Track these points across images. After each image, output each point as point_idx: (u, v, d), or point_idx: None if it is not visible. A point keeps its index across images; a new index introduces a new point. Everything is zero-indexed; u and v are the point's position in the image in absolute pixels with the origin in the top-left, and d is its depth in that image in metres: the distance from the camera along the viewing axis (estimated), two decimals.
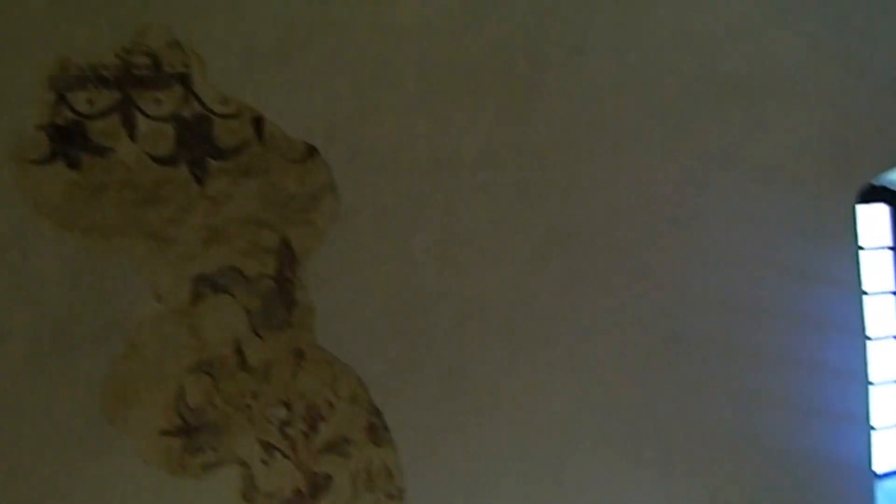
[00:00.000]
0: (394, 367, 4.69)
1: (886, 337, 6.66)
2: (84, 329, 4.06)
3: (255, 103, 4.36)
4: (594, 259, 5.08)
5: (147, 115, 4.17)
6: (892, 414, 6.70)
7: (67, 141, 4.05)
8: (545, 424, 5.02)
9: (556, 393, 5.02)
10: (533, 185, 4.93)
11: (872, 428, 5.88)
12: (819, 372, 5.68)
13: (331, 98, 4.51)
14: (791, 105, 5.57)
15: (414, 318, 4.71)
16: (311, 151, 4.47)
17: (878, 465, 6.25)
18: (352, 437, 4.65)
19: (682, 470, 5.34)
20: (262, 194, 4.37)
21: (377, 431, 4.73)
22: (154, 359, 4.18)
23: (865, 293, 5.84)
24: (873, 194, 6.47)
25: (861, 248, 5.83)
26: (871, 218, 6.60)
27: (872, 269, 6.50)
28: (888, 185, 6.59)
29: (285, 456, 4.48)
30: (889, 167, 5.90)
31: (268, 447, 4.46)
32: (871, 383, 5.88)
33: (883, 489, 6.35)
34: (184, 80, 4.26)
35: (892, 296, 6.70)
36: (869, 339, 5.88)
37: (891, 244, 6.69)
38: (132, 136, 4.15)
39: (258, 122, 4.38)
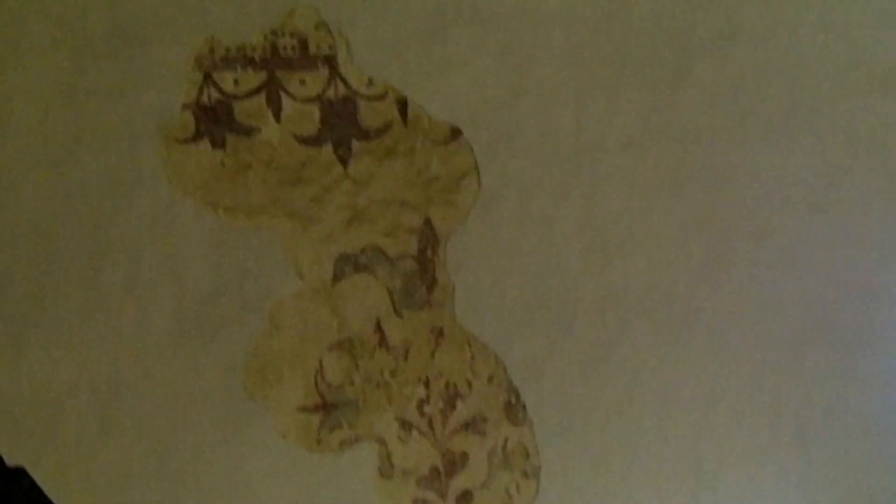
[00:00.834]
0: (533, 347, 4.03)
1: None
2: (226, 307, 3.48)
3: (400, 85, 3.67)
4: (736, 245, 4.29)
5: (292, 96, 3.51)
6: None
7: (213, 120, 3.45)
8: (683, 407, 4.28)
9: (695, 377, 4.30)
10: (676, 171, 4.14)
11: None
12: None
13: (476, 81, 3.79)
14: None
15: (554, 300, 4.02)
16: (455, 133, 3.76)
17: None
18: (489, 416, 3.98)
19: (820, 456, 4.58)
20: (405, 175, 3.69)
21: (514, 410, 4.05)
22: (295, 336, 3.56)
23: None
24: None
25: None
26: None
27: None
28: None
29: (422, 434, 3.82)
30: None
31: (405, 425, 3.81)
32: None
33: None
34: (330, 61, 3.57)
35: None
36: None
37: None
38: (277, 117, 3.52)
39: (403, 104, 3.69)
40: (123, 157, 3.51)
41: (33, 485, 2.59)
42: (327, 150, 3.77)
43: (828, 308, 4.72)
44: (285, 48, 3.71)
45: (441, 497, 4.08)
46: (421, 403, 4.01)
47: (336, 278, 3.79)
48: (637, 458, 4.41)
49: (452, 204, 3.95)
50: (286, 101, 3.71)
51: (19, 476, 2.61)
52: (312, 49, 3.76)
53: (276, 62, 3.69)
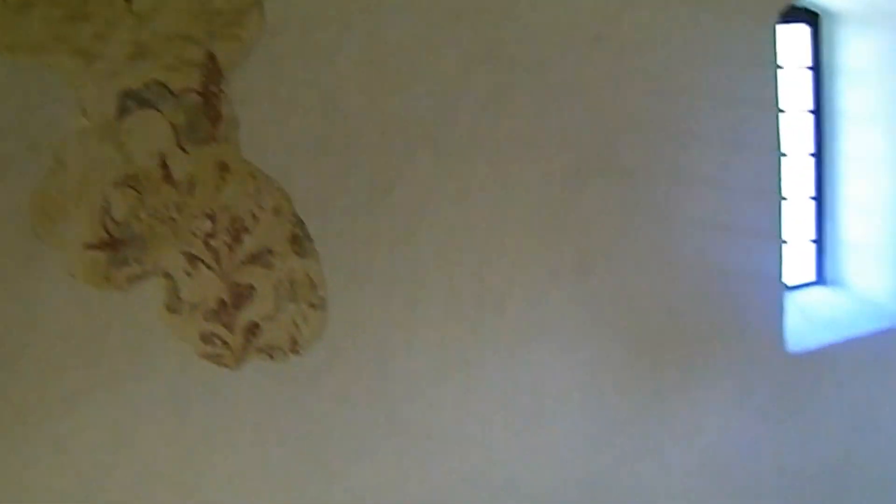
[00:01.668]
0: (318, 180, 4.94)
1: (801, 154, 7.08)
2: (11, 145, 4.24)
3: None
4: (518, 76, 5.33)
5: None
6: (802, 229, 7.20)
7: None
8: (468, 237, 5.36)
9: (478, 208, 5.34)
10: (458, 3, 5.11)
11: (784, 243, 6.36)
12: (734, 189, 6.10)
13: None
14: None
15: (338, 132, 4.95)
16: None
17: (789, 279, 6.76)
18: (275, 248, 4.93)
19: (601, 281, 5.75)
20: (189, 9, 4.50)
21: (300, 242, 5.01)
22: (80, 174, 4.40)
23: (782, 111, 6.21)
24: (794, 14, 6.77)
25: (780, 67, 6.16)
26: (790, 38, 6.91)
27: (790, 88, 6.86)
28: (808, 6, 6.88)
29: (209, 267, 4.76)
30: None
31: (192, 259, 4.73)
32: (783, 199, 6.32)
33: (792, 300, 6.90)
34: None
35: (808, 115, 7.09)
36: (784, 156, 6.28)
37: (810, 64, 7.03)
38: None
39: None
40: None
41: None
42: None
43: (609, 140, 5.90)
44: None
45: (229, 330, 5.05)
46: (207, 238, 4.88)
47: (120, 114, 4.60)
48: (423, 286, 5.47)
49: (236, 38, 4.75)
50: None
51: None
52: None
53: None
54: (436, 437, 5.45)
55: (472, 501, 5.58)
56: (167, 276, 4.71)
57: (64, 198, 4.40)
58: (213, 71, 4.62)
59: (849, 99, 7.03)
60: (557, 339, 5.64)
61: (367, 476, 5.31)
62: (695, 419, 6.22)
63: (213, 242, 4.79)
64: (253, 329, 4.96)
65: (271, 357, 4.99)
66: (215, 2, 4.56)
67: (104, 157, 4.45)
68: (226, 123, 4.70)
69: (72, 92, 4.35)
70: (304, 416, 5.12)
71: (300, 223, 4.94)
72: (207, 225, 4.75)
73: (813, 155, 7.15)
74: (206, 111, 4.65)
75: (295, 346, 5.06)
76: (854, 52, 6.95)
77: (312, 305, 5.08)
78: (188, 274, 4.74)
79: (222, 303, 4.87)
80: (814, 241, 7.26)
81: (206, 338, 4.83)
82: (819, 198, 7.21)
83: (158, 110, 4.52)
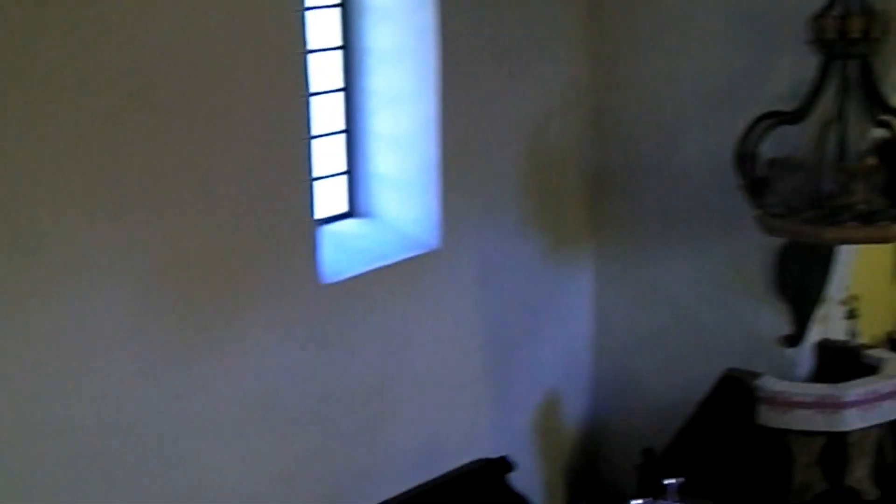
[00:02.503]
0: None
1: (330, 91, 7.84)
2: None
3: None
4: (42, 12, 5.56)
5: None
6: (333, 163, 7.99)
7: None
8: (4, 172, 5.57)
9: (10, 147, 5.57)
10: None
11: (314, 178, 7.08)
12: (265, 127, 6.72)
13: None
14: None
15: None
16: None
17: (321, 211, 7.52)
18: None
19: (139, 220, 6.21)
20: None
21: None
22: None
23: (310, 52, 6.90)
24: None
25: (307, 8, 6.85)
26: None
27: (317, 27, 7.58)
28: None
29: None
30: None
31: None
32: (312, 136, 7.03)
33: (325, 232, 7.67)
34: None
35: (336, 51, 7.85)
36: (312, 94, 6.99)
37: (337, 2, 7.79)
38: None
39: None
40: None
41: None
42: None
43: (144, 78, 6.22)
44: None
45: None
46: None
47: None
48: None
49: None
50: None
51: None
52: None
53: None
54: None
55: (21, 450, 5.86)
56: None
57: None
58: None
59: (375, 36, 7.98)
60: (98, 281, 6.06)
61: None
62: (239, 352, 6.89)
63: None
64: None
65: None
66: None
67: None
68: None
69: None
70: None
71: None
72: None
73: (341, 90, 7.92)
74: None
75: None
76: None
77: None
78: None
79: None
80: (345, 174, 8.06)
81: None
82: (349, 132, 8.02)
83: None
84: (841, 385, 8.22)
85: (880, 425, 8.34)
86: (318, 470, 7.48)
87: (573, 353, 9.64)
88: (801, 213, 7.61)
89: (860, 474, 8.33)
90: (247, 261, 6.84)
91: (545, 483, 9.48)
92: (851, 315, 9.33)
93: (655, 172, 9.26)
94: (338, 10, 7.93)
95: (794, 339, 9.02)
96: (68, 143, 5.84)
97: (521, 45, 8.59)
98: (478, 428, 8.71)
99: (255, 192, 6.80)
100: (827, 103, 7.93)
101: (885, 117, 7.82)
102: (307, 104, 7.06)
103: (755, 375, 8.40)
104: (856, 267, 9.44)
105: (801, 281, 8.91)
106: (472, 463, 8.07)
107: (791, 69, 8.38)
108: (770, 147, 7.90)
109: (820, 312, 9.07)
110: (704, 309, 9.29)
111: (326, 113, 7.93)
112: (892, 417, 8.36)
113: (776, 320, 8.99)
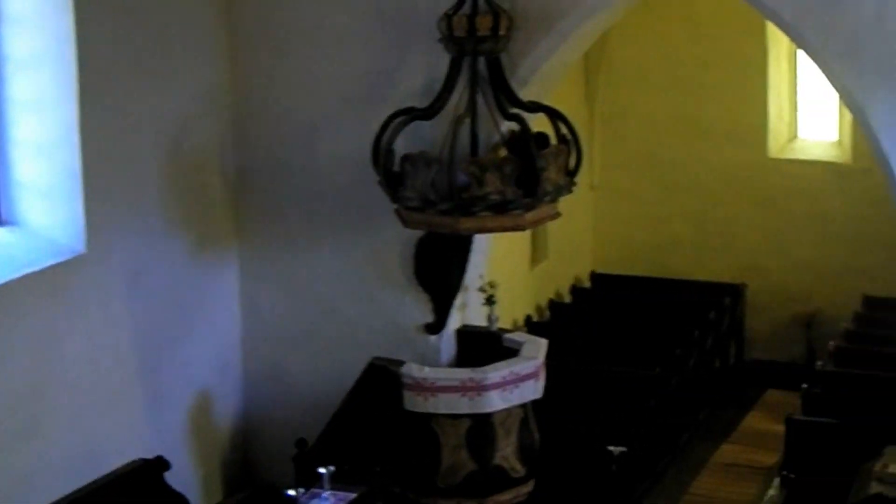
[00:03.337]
0: None
1: None
2: None
3: None
4: None
5: None
6: None
7: None
8: None
9: None
10: None
11: None
12: None
13: None
14: None
15: None
16: None
17: None
18: None
19: None
20: None
21: None
22: None
23: None
24: None
25: None
26: None
27: None
28: None
29: None
30: None
31: None
32: None
33: None
34: None
35: None
36: None
37: None
38: None
39: None
40: None
41: None
42: None
43: None
44: None
45: None
46: None
47: None
48: None
49: None
50: None
51: None
52: None
53: None
54: None
55: None
56: None
57: None
58: None
59: (12, 43, 8.41)
60: None
61: None
62: None
63: None
64: None
65: None
66: None
67: None
68: None
69: None
70: None
71: None
72: None
73: None
74: None
75: None
76: None
77: None
78: None
79: None
80: None
81: None
82: None
83: None
84: (482, 368, 9.11)
85: (522, 405, 9.34)
86: None
87: (223, 350, 10.40)
88: (436, 206, 8.54)
89: (506, 453, 9.29)
90: None
91: (202, 480, 10.17)
92: (490, 301, 10.11)
93: (298, 171, 10.13)
94: None
95: (435, 327, 10.03)
96: None
97: (161, 50, 9.29)
98: (134, 429, 9.27)
99: None
100: (459, 98, 8.86)
101: (515, 111, 8.85)
102: None
103: (399, 363, 9.30)
104: (493, 255, 10.48)
105: (439, 271, 9.90)
106: (129, 464, 8.66)
107: (424, 67, 9.40)
108: (406, 142, 8.76)
109: (459, 300, 10.10)
110: (349, 302, 10.21)
111: None
112: (533, 397, 9.38)
113: (418, 309, 10.01)
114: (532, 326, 13.47)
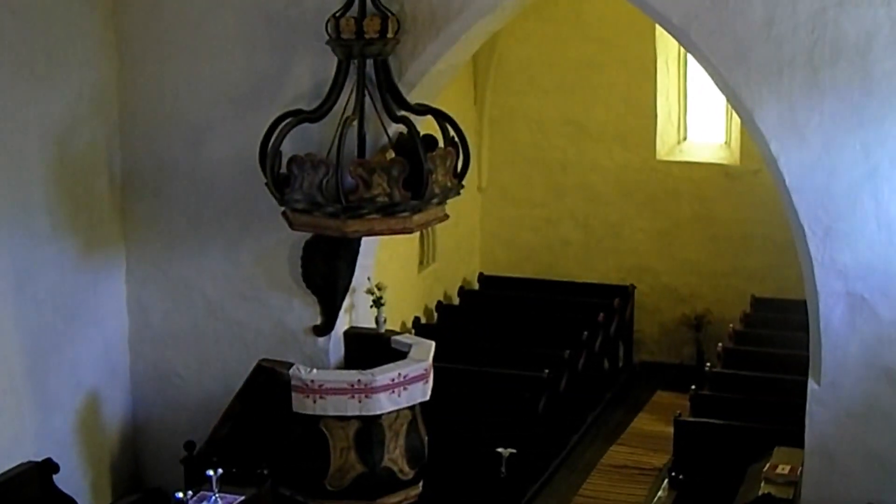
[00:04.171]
0: None
1: None
2: None
3: None
4: None
5: None
6: None
7: None
8: None
9: None
10: None
11: None
12: None
13: None
14: None
15: None
16: None
17: None
18: None
19: None
20: None
21: None
22: None
23: None
24: None
25: None
26: None
27: None
28: None
29: None
30: None
31: None
32: None
33: None
34: None
35: None
36: None
37: None
38: None
39: None
40: None
41: None
42: None
43: None
44: None
45: None
46: None
47: None
48: None
49: None
50: None
51: None
52: None
53: None
54: None
55: None
56: None
57: None
58: None
59: None
60: None
61: None
62: None
63: None
64: None
65: None
66: None
67: None
68: None
69: None
70: None
71: None
72: None
73: None
74: None
75: None
76: None
77: None
78: None
79: None
80: None
81: None
82: None
83: None
84: (371, 371, 9.36)
85: (411, 407, 9.63)
86: None
87: (111, 352, 10.59)
88: (324, 208, 8.75)
89: (395, 455, 9.58)
90: None
91: (91, 482, 10.35)
92: (377, 303, 10.36)
93: (184, 173, 10.35)
94: None
95: (323, 329, 10.27)
96: None
97: (47, 51, 9.47)
98: (21, 431, 9.42)
99: None
100: (346, 101, 9.08)
101: (403, 113, 9.07)
102: None
103: (287, 365, 9.54)
104: (381, 257, 10.72)
105: (327, 273, 10.12)
106: (17, 466, 8.90)
107: (311, 69, 9.62)
108: (293, 145, 8.96)
109: (347, 302, 10.37)
110: (237, 303, 10.44)
111: None
112: (421, 399, 9.65)
113: (306, 311, 10.27)
114: (420, 328, 13.82)
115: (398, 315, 12.77)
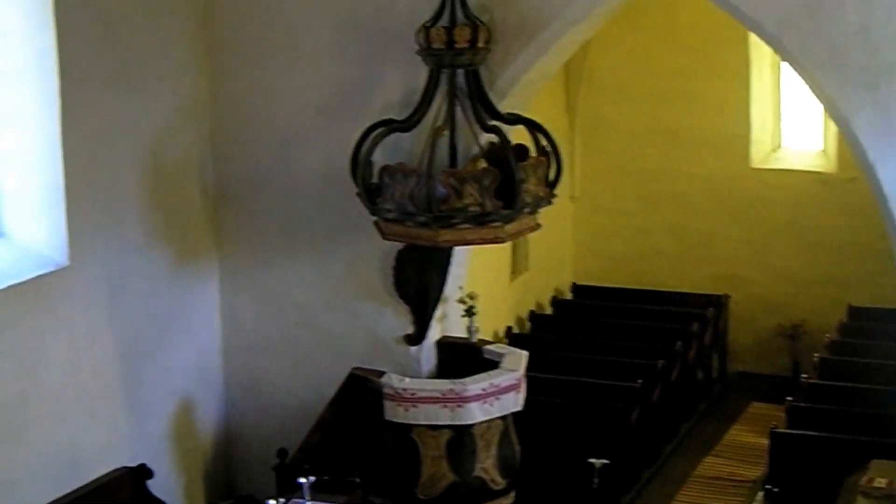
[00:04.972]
0: None
1: None
2: None
3: None
4: None
5: None
6: None
7: None
8: None
9: None
10: None
11: None
12: None
13: None
14: None
15: None
16: None
17: None
18: None
19: None
20: None
21: None
22: None
23: None
24: None
25: None
26: None
27: None
28: None
29: None
30: None
31: None
32: None
33: None
34: None
35: None
36: None
37: None
38: None
39: None
40: None
41: None
42: None
43: None
44: None
45: None
46: None
47: None
48: None
49: None
50: None
51: None
52: None
53: None
54: None
55: None
56: None
57: None
58: None
59: None
60: None
61: None
62: None
63: None
64: None
65: None
66: None
67: None
68: None
69: None
70: None
71: None
72: None
73: None
74: None
75: None
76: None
77: None
78: None
79: None
80: None
81: None
82: None
83: None
84: (463, 380, 9.35)
85: (503, 417, 9.57)
86: None
87: (204, 360, 10.68)
88: (415, 218, 8.74)
89: (486, 465, 9.53)
90: None
91: (184, 488, 10.44)
92: (469, 312, 10.30)
93: (275, 183, 10.41)
94: None
95: (415, 338, 10.26)
96: None
97: (140, 63, 9.58)
98: (116, 438, 9.54)
99: None
100: (437, 111, 9.08)
101: (494, 123, 9.04)
102: None
103: (380, 374, 9.57)
104: (472, 266, 10.69)
105: (419, 282, 10.12)
106: (111, 472, 9.00)
107: (402, 79, 9.64)
108: (384, 154, 8.99)
109: (439, 311, 10.36)
110: (329, 312, 10.47)
111: None
112: (513, 409, 9.60)
113: (398, 320, 10.27)
114: (513, 338, 13.76)
115: (490, 324, 12.74)
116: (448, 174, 8.79)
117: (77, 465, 8.96)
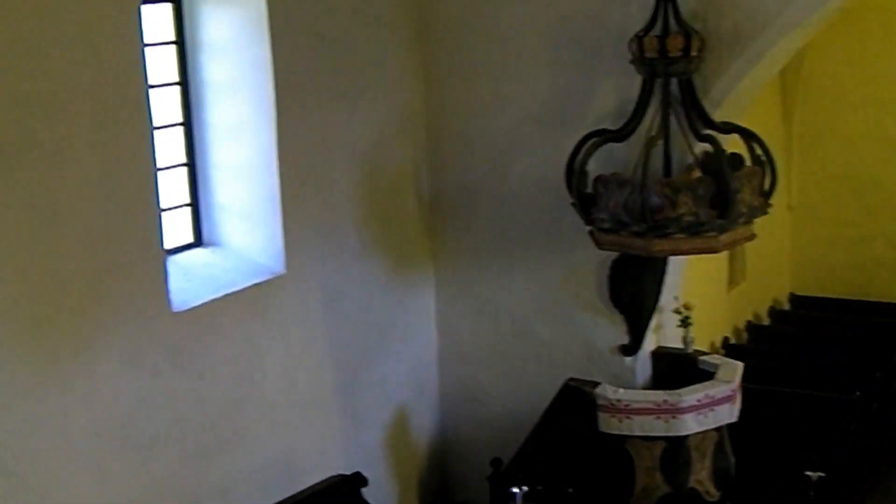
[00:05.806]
0: None
1: (171, 125, 8.57)
2: None
3: None
4: None
5: None
6: (178, 195, 8.71)
7: None
8: None
9: None
10: None
11: (161, 209, 7.82)
12: (109, 160, 7.40)
13: None
14: None
15: None
16: None
17: (168, 242, 8.22)
18: None
19: None
20: None
21: None
22: None
23: (151, 87, 7.66)
24: None
25: (146, 45, 7.62)
26: (154, 16, 8.35)
27: (157, 63, 8.30)
28: None
29: None
30: None
31: None
32: (158, 169, 7.78)
33: (173, 262, 8.37)
34: None
35: (175, 87, 8.59)
36: (155, 128, 7.75)
37: (174, 39, 8.54)
38: None
39: None
40: None
41: None
42: None
43: None
44: None
45: None
46: None
47: None
48: None
49: None
50: None
51: None
52: None
53: None
54: None
55: None
56: None
57: None
58: None
59: (212, 71, 8.88)
60: None
61: None
62: (90, 382, 7.59)
63: None
64: None
65: None
66: None
67: None
68: None
69: None
70: None
71: None
72: None
73: (182, 124, 8.70)
74: None
75: None
76: (214, 27, 8.75)
77: None
78: None
79: None
80: (189, 205, 8.82)
81: None
82: (192, 164, 8.83)
83: None
84: (678, 391, 9.17)
85: (717, 428, 9.35)
86: (174, 492, 8.24)
87: (420, 370, 10.70)
88: (630, 227, 8.60)
89: (701, 476, 9.34)
90: (97, 291, 7.60)
91: (398, 496, 10.48)
92: (685, 323, 10.13)
93: (490, 193, 10.36)
94: (174, 47, 8.77)
95: (630, 349, 10.09)
96: None
97: (354, 74, 9.64)
98: (331, 445, 9.63)
99: (104, 224, 7.58)
100: (651, 120, 8.93)
101: (708, 131, 8.85)
102: (151, 138, 7.90)
103: (594, 385, 9.43)
104: (688, 276, 10.52)
105: (634, 292, 9.95)
106: (326, 479, 9.05)
107: (615, 88, 9.48)
108: (598, 164, 8.89)
109: (655, 322, 10.16)
110: (543, 323, 10.38)
111: (170, 146, 8.67)
112: (729, 421, 9.37)
113: (613, 331, 10.11)
114: (730, 349, 13.50)
115: (707, 335, 12.53)
116: (662, 184, 8.60)
117: (291, 473, 9.07)
